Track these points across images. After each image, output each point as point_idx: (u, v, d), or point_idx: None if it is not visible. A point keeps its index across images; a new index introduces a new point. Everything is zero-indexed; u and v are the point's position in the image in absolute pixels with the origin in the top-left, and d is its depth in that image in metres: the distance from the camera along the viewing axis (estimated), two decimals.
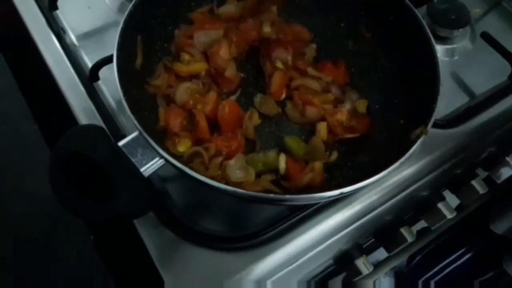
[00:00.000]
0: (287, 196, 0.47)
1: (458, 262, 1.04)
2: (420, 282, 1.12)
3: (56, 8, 0.76)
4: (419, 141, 0.50)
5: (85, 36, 0.75)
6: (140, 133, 0.46)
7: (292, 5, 0.70)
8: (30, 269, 0.50)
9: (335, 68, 0.67)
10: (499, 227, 0.86)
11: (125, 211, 0.43)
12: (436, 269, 1.09)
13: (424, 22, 0.58)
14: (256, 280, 0.55)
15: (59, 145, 0.45)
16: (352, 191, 0.47)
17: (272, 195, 0.47)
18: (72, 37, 0.75)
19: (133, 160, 0.45)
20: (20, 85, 0.69)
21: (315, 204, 0.59)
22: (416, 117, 0.54)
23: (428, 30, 0.57)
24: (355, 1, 0.66)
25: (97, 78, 0.67)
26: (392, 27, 0.63)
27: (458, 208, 0.78)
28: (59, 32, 0.72)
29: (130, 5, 0.56)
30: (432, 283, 1.08)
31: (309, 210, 0.58)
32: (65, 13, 0.77)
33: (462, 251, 1.04)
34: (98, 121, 0.63)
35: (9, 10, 0.75)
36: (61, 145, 0.45)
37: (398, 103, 0.61)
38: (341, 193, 0.46)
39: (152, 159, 0.46)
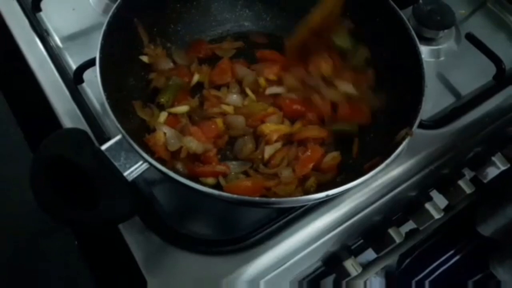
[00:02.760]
0: (273, 199, 0.47)
1: (447, 264, 1.05)
2: (413, 282, 1.13)
3: (39, 10, 0.75)
4: (404, 143, 0.50)
5: (69, 38, 0.74)
6: (123, 136, 0.46)
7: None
8: (14, 277, 0.49)
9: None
10: (486, 229, 0.87)
11: (108, 217, 0.42)
12: (426, 271, 1.09)
13: (409, 24, 0.58)
14: (246, 281, 0.54)
15: (41, 149, 0.44)
16: (338, 193, 0.47)
17: (257, 198, 0.47)
18: (56, 39, 0.74)
19: (116, 164, 0.44)
20: (2, 88, 0.68)
21: (302, 206, 0.58)
22: (402, 119, 0.54)
23: (413, 32, 0.57)
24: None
25: (82, 81, 0.66)
26: (378, 28, 0.63)
27: (445, 208, 0.78)
28: (42, 34, 0.71)
29: (113, 7, 0.55)
30: (427, 283, 1.08)
31: (296, 212, 0.58)
32: (49, 15, 0.76)
33: (451, 253, 1.04)
34: (83, 124, 0.62)
35: None
36: (43, 149, 0.44)
37: (384, 105, 0.61)
38: (327, 196, 0.46)
39: (136, 162, 0.46)
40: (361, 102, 0.62)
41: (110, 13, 0.55)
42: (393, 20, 0.60)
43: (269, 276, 0.56)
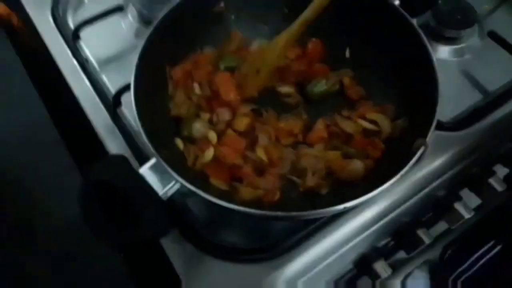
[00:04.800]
0: (293, 213, 0.50)
1: (490, 255, 1.04)
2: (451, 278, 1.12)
3: (79, 37, 0.81)
4: (419, 153, 0.52)
5: (106, 62, 0.80)
6: (157, 160, 0.50)
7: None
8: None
9: None
10: None
11: (146, 235, 0.47)
12: (468, 262, 1.08)
13: (422, 34, 0.59)
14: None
15: (88, 176, 0.50)
16: (356, 204, 0.49)
17: (279, 213, 0.50)
18: (94, 64, 0.80)
19: (152, 185, 0.49)
20: (51, 114, 0.74)
21: None
22: (420, 125, 0.55)
23: (426, 42, 0.58)
24: (355, 15, 0.68)
25: (120, 104, 0.72)
26: (392, 38, 0.64)
27: (478, 207, 0.78)
28: (83, 62, 0.77)
29: (145, 39, 0.60)
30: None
31: (324, 219, 0.61)
32: (87, 42, 0.82)
33: (491, 243, 1.03)
34: (123, 144, 0.68)
35: (38, 43, 0.81)
36: (90, 176, 0.50)
37: (401, 112, 0.62)
38: (345, 208, 0.48)
39: (170, 182, 0.50)
40: (376, 135, 0.63)
41: (142, 46, 0.60)
42: (405, 28, 0.61)
43: (301, 280, 0.59)
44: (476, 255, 1.05)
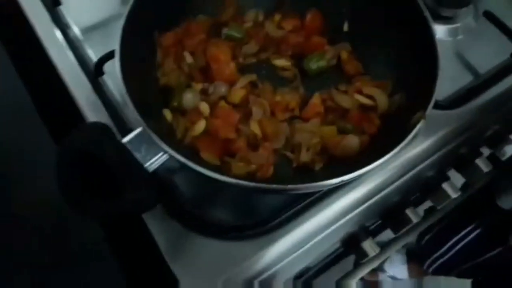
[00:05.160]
0: (289, 186, 0.48)
1: (467, 239, 1.06)
2: (428, 262, 1.14)
3: (59, 3, 0.76)
4: (418, 126, 0.50)
5: (89, 30, 0.75)
6: (143, 129, 0.48)
7: None
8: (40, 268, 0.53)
9: None
10: (506, 203, 0.87)
11: (130, 208, 0.44)
12: (445, 247, 1.10)
13: (424, 6, 0.57)
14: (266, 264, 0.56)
15: (64, 144, 0.46)
16: (352, 178, 0.48)
17: (274, 185, 0.48)
18: (76, 31, 0.75)
19: (137, 156, 0.46)
20: (25, 82, 0.70)
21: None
22: (416, 102, 0.54)
23: (428, 14, 0.56)
24: None
25: (102, 73, 0.68)
26: (392, 11, 0.62)
27: (463, 187, 0.78)
28: (63, 27, 0.73)
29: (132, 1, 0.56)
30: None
31: (315, 196, 0.59)
32: (69, 7, 0.77)
33: (470, 228, 1.04)
34: (105, 115, 0.64)
35: (13, 7, 0.76)
36: (67, 144, 0.46)
37: (399, 88, 0.61)
38: (342, 181, 0.47)
39: (156, 154, 0.47)
40: (373, 111, 0.62)
41: (129, 6, 0.56)
42: (405, 3, 0.59)
43: (288, 259, 0.58)
44: (454, 240, 1.08)
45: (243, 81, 0.62)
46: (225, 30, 0.66)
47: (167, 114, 0.59)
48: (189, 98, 0.59)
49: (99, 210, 0.44)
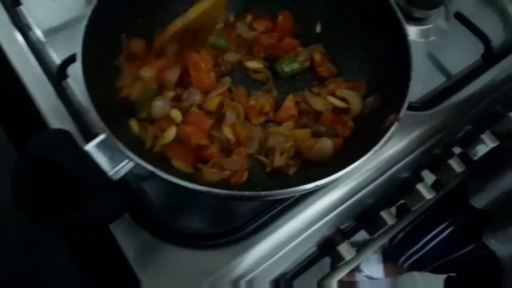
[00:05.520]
0: (264, 192, 0.47)
1: (440, 237, 1.07)
2: (401, 259, 1.15)
3: (19, 3, 0.73)
4: (392, 128, 0.50)
5: (52, 32, 0.72)
6: (107, 135, 0.45)
7: None
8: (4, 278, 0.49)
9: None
10: (478, 201, 0.88)
11: (93, 219, 0.42)
12: (419, 245, 1.11)
13: (396, 8, 0.56)
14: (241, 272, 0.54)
15: (23, 152, 0.44)
16: (327, 183, 0.46)
17: (247, 192, 0.46)
18: (38, 33, 0.72)
19: (100, 164, 0.44)
20: None
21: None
22: (390, 104, 0.54)
23: (400, 16, 0.56)
24: None
25: (66, 76, 0.65)
26: (365, 12, 0.62)
27: (436, 187, 0.79)
28: (23, 29, 0.69)
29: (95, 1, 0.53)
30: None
31: (290, 200, 0.58)
32: (30, 8, 0.74)
33: (443, 225, 1.06)
34: (69, 121, 0.61)
35: None
36: (26, 151, 0.44)
37: (372, 90, 0.60)
38: (316, 186, 0.46)
39: (121, 161, 0.45)
40: (346, 113, 0.61)
41: (92, 7, 0.53)
42: (380, 2, 0.58)
43: (263, 266, 0.57)
44: (428, 237, 1.09)
45: (220, 88, 0.60)
46: (211, 39, 0.63)
47: (134, 125, 0.56)
48: (159, 106, 0.56)
49: (59, 221, 0.41)
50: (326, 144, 0.56)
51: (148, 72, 0.58)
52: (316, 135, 0.58)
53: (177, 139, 0.55)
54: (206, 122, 0.56)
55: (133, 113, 0.57)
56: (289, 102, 0.61)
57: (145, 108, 0.56)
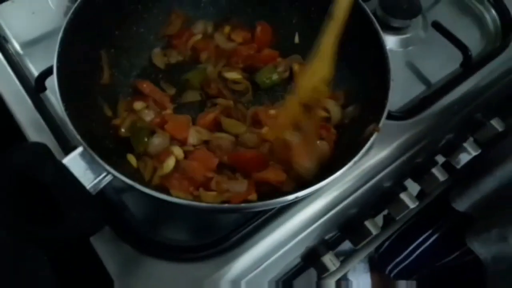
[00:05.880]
0: (243, 205, 0.46)
1: (426, 244, 1.07)
2: (388, 268, 1.15)
3: None
4: (372, 139, 0.50)
5: (30, 44, 0.72)
6: (84, 148, 0.44)
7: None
8: None
9: None
10: (460, 205, 0.88)
11: (71, 233, 0.41)
12: (405, 253, 1.11)
13: (373, 18, 0.57)
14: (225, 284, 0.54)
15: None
16: (307, 194, 0.46)
17: (226, 205, 0.46)
18: (15, 45, 0.71)
19: (78, 177, 0.43)
20: None
21: None
22: (371, 113, 0.54)
23: (377, 25, 0.56)
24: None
25: (44, 88, 0.64)
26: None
27: (420, 196, 0.79)
28: (0, 42, 0.68)
29: (70, 13, 0.53)
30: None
31: (273, 211, 0.58)
32: (7, 20, 0.73)
33: (428, 233, 1.06)
34: (47, 133, 0.60)
35: None
36: (1, 167, 0.42)
37: (352, 100, 0.60)
38: (296, 197, 0.45)
39: (99, 174, 0.44)
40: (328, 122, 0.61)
41: (67, 19, 0.53)
42: (357, 13, 0.59)
43: (247, 277, 0.56)
44: (413, 245, 1.09)
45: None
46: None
47: (131, 159, 0.55)
48: (156, 144, 0.56)
49: (34, 235, 0.40)
50: (324, 146, 0.56)
51: (139, 105, 0.59)
52: None
53: (179, 170, 0.54)
54: (213, 161, 0.55)
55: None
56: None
57: (141, 145, 0.56)
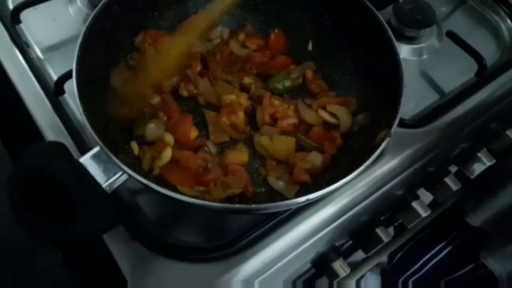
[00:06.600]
0: (253, 205, 0.47)
1: (439, 257, 1.06)
2: (401, 280, 1.14)
3: (19, 21, 0.74)
4: (383, 144, 0.50)
5: (50, 49, 0.74)
6: (101, 148, 0.45)
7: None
8: None
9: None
10: (475, 220, 0.87)
11: (86, 230, 0.42)
12: (417, 264, 1.10)
13: (386, 24, 0.58)
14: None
15: (18, 164, 0.44)
16: (318, 197, 0.47)
17: (237, 205, 0.47)
18: (37, 50, 0.73)
19: (94, 176, 0.44)
20: None
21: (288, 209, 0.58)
22: (383, 119, 0.54)
23: (390, 33, 0.57)
24: (318, 5, 0.66)
25: (63, 92, 0.66)
26: (356, 30, 0.63)
27: (433, 205, 0.78)
28: (22, 47, 0.71)
29: (89, 18, 0.55)
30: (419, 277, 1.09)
31: (284, 215, 0.58)
32: (29, 27, 0.75)
33: (442, 245, 1.05)
34: (64, 135, 0.62)
35: None
36: (21, 163, 0.44)
37: (363, 106, 0.61)
38: (307, 200, 0.46)
39: (115, 174, 0.45)
40: (336, 129, 0.62)
41: (87, 24, 0.55)
42: (370, 21, 0.60)
43: (257, 280, 0.56)
44: (426, 257, 1.08)
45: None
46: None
47: (134, 147, 0.57)
48: (152, 129, 0.58)
49: (50, 232, 0.41)
50: (316, 158, 0.56)
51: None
52: (302, 149, 0.59)
53: (176, 162, 0.56)
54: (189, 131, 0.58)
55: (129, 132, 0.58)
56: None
57: (140, 128, 0.58)
